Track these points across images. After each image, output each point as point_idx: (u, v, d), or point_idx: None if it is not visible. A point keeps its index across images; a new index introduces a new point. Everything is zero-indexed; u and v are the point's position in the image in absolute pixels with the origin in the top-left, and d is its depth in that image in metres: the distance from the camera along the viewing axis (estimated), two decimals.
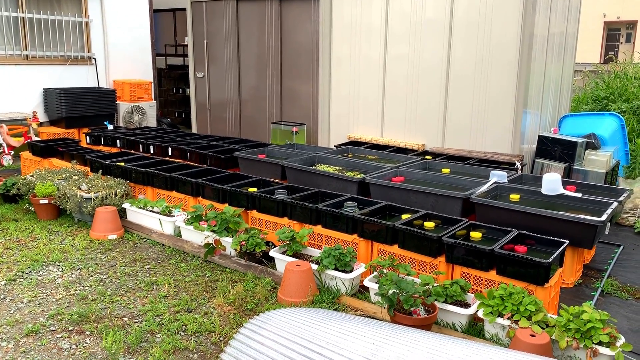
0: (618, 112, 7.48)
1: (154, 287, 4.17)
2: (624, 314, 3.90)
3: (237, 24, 8.73)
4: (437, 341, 2.64)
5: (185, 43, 12.34)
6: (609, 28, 37.78)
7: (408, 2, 6.74)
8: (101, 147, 7.68)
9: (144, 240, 5.19)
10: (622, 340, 3.08)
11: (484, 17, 6.19)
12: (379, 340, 2.66)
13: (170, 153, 6.94)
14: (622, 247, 5.20)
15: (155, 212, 5.31)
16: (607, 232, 4.30)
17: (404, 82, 6.92)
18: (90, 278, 4.30)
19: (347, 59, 7.35)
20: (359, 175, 5.41)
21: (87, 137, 7.92)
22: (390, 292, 3.42)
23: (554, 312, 3.70)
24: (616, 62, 12.66)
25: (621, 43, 39.18)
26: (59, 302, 3.89)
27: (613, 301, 4.13)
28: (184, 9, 12.21)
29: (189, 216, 5.01)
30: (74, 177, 5.92)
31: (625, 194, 4.76)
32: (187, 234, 5.02)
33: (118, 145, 7.51)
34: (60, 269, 4.46)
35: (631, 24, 38.48)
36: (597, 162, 5.97)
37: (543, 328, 3.19)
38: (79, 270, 4.45)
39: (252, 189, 5.10)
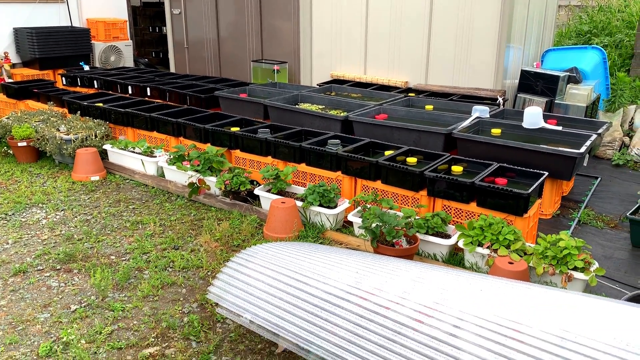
0: (600, 46, 7.44)
1: (140, 227, 4.19)
2: (599, 242, 4.04)
3: None
4: (418, 269, 2.72)
5: None
6: None
7: None
8: (78, 89, 7.48)
9: (127, 181, 5.17)
10: (595, 265, 3.21)
11: None
12: (363, 269, 2.73)
13: (149, 93, 6.80)
14: (599, 179, 5.32)
15: (137, 153, 5.26)
16: (585, 164, 4.39)
17: (387, 18, 6.77)
18: (75, 219, 4.31)
19: None
20: (342, 114, 5.38)
21: (63, 78, 7.71)
22: (374, 225, 3.49)
23: (532, 241, 3.81)
24: None
25: None
26: (44, 243, 3.90)
27: (589, 230, 4.26)
28: None
29: (172, 156, 4.98)
30: (51, 118, 5.80)
31: (604, 127, 4.82)
32: (170, 174, 5.00)
33: (95, 86, 7.33)
34: (44, 211, 4.45)
35: None
36: (578, 96, 6.00)
37: (521, 256, 3.30)
38: (62, 212, 4.44)
39: (235, 128, 5.06)
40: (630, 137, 6.15)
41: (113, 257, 3.72)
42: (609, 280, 3.45)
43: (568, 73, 6.27)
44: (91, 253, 3.75)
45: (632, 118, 6.40)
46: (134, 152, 5.29)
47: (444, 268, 2.83)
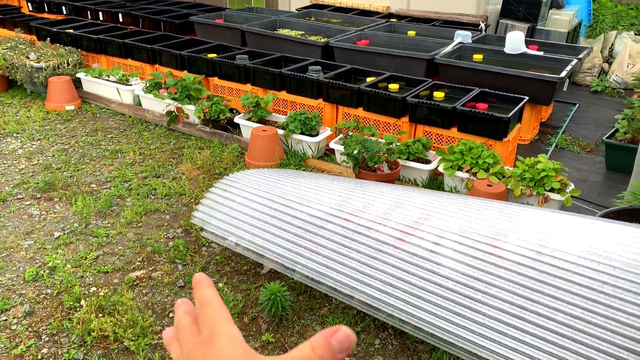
0: None
1: (119, 155, 4.14)
2: (575, 166, 4.13)
3: None
4: (400, 192, 2.77)
5: None
6: None
7: None
8: (45, 15, 7.14)
9: (103, 110, 5.06)
10: (571, 186, 3.29)
11: None
12: (346, 193, 2.77)
13: (121, 19, 6.53)
14: (577, 105, 5.37)
15: (112, 82, 5.11)
16: (565, 89, 4.41)
17: None
18: (52, 148, 4.23)
19: None
20: (322, 39, 5.26)
21: (29, 4, 7.33)
22: (356, 151, 3.50)
23: (510, 165, 3.88)
24: None
25: None
26: (22, 172, 3.84)
27: (566, 155, 4.35)
28: None
29: (148, 84, 4.86)
30: (20, 46, 5.55)
31: (585, 52, 4.82)
32: (147, 102, 4.90)
33: (64, 12, 7.00)
34: (19, 141, 4.35)
35: None
36: (560, 21, 5.94)
37: (500, 179, 3.36)
38: (39, 141, 4.35)
39: (212, 55, 4.92)
40: (610, 64, 6.16)
41: (94, 185, 3.69)
42: (584, 202, 3.55)
43: None
44: (71, 182, 3.72)
45: (612, 44, 6.39)
46: (108, 80, 5.14)
47: (425, 190, 2.88)
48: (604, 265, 1.94)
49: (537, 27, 6.02)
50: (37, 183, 3.64)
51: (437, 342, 2.09)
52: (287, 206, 2.73)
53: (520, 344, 1.86)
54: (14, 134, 4.46)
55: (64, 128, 4.62)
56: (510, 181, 3.32)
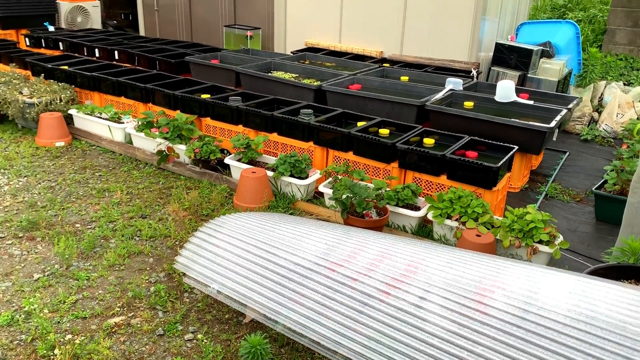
0: (574, 21, 7.47)
1: (106, 194, 4.10)
2: (564, 215, 4.12)
3: None
4: (387, 241, 2.73)
5: None
6: None
7: None
8: (42, 50, 7.21)
9: (93, 147, 5.04)
10: (560, 238, 3.27)
11: None
12: (332, 241, 2.73)
13: (117, 57, 6.59)
14: (567, 153, 5.40)
15: (104, 119, 5.11)
16: (554, 139, 4.43)
17: None
18: (39, 185, 4.18)
19: None
20: (315, 83, 5.31)
21: (27, 39, 7.40)
22: (344, 196, 3.47)
23: (500, 214, 3.86)
24: None
25: None
26: (6, 210, 3.79)
27: (555, 204, 4.34)
28: None
29: (140, 123, 4.86)
30: (14, 81, 5.57)
31: (575, 102, 4.87)
32: (138, 141, 4.88)
33: (60, 47, 7.06)
34: (6, 177, 4.31)
35: None
36: (551, 70, 6.03)
37: (489, 229, 3.34)
38: (26, 178, 4.31)
39: (205, 96, 4.94)
40: (599, 113, 6.24)
41: (78, 225, 3.63)
42: (573, 254, 3.52)
43: (542, 47, 6.28)
44: (55, 221, 3.66)
45: (601, 94, 6.48)
46: (100, 117, 5.14)
47: (412, 240, 2.84)
48: (591, 326, 1.89)
49: (528, 75, 6.11)
50: (21, 221, 3.58)
51: None
52: (272, 253, 2.68)
53: None
54: (1, 170, 4.42)
55: (52, 165, 4.58)
56: (499, 232, 3.29)
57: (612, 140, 5.82)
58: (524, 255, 3.28)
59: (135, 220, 3.71)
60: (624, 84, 6.61)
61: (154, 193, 4.15)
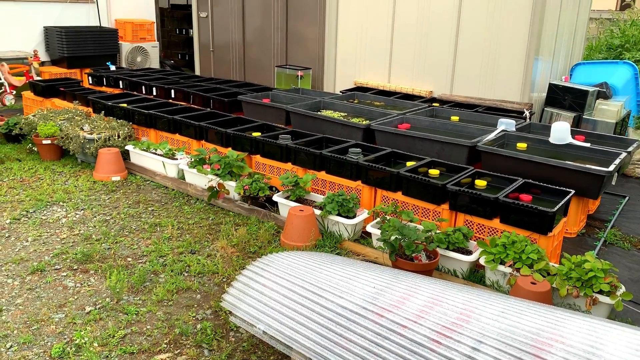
0: (632, 61, 7.27)
1: (158, 229, 4.19)
2: (626, 264, 3.91)
3: None
4: (438, 287, 2.65)
5: None
6: None
7: None
8: (103, 88, 7.57)
9: (147, 182, 5.19)
10: (622, 289, 3.09)
11: None
12: (381, 284, 2.67)
13: (173, 95, 6.84)
14: (627, 198, 5.17)
15: (158, 155, 5.27)
16: (613, 183, 4.26)
17: (413, 26, 6.71)
18: (94, 219, 4.32)
19: (355, 1, 7.10)
20: (364, 122, 5.33)
21: (90, 78, 7.80)
22: (393, 237, 3.42)
23: (555, 261, 3.71)
24: (633, 8, 12.24)
25: None
26: (63, 242, 3.92)
27: (615, 251, 4.13)
28: None
29: (193, 159, 4.98)
30: (76, 117, 5.86)
31: (635, 145, 4.68)
32: (190, 177, 5.00)
33: (120, 86, 7.40)
34: (64, 209, 4.47)
35: None
36: (608, 112, 5.85)
37: (544, 276, 3.20)
38: (82, 211, 4.46)
39: (256, 134, 5.04)
40: None
41: (130, 259, 3.71)
42: (637, 306, 3.32)
43: (598, 88, 6.12)
44: (108, 254, 3.75)
45: None
46: (155, 153, 5.30)
47: (464, 287, 2.75)
48: None
49: (584, 116, 5.94)
50: (76, 254, 3.69)
51: None
52: (319, 295, 2.65)
53: None
54: (60, 203, 4.60)
55: (108, 199, 4.74)
56: (556, 280, 3.14)
57: None
58: (582, 306, 3.11)
59: (184, 256, 3.76)
60: None
61: (204, 229, 4.21)
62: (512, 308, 2.39)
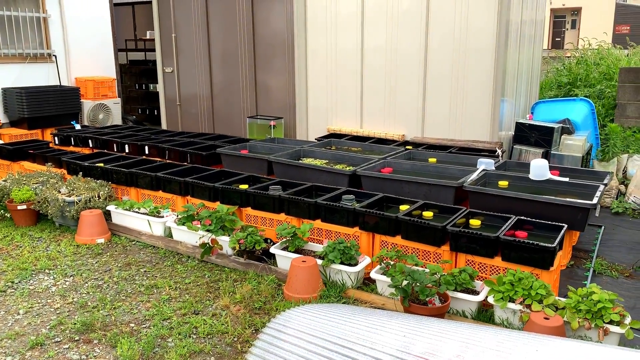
0: (582, 97, 7.74)
1: (155, 291, 4.06)
2: (619, 292, 4.04)
3: (207, 16, 8.54)
4: (467, 330, 2.68)
5: (147, 37, 12.01)
6: (555, 15, 39.16)
7: None
8: (71, 148, 7.39)
9: (134, 242, 5.05)
10: (629, 318, 3.21)
11: (460, 4, 6.26)
12: (409, 332, 2.68)
13: (147, 152, 6.75)
14: (603, 227, 5.41)
15: (142, 214, 5.16)
16: (597, 215, 4.46)
17: (382, 72, 6.95)
18: (86, 284, 4.15)
19: (323, 50, 7.31)
20: (347, 168, 5.41)
21: (56, 138, 7.61)
22: (405, 283, 3.45)
23: (557, 294, 3.81)
24: (566, 49, 13.13)
25: (567, 29, 40.72)
26: (58, 312, 3.73)
27: (606, 280, 4.30)
28: (144, 2, 11.88)
29: (181, 216, 4.90)
30: (51, 180, 5.67)
31: (608, 177, 4.95)
32: (179, 234, 4.90)
33: (90, 145, 7.25)
34: (52, 277, 4.28)
35: (575, 11, 39.98)
36: (574, 146, 6.17)
37: (554, 311, 3.29)
38: (72, 277, 4.28)
39: (244, 186, 5.02)
40: (626, 185, 6.32)
41: (132, 324, 3.57)
42: None
43: (561, 124, 6.47)
44: (109, 321, 3.60)
45: (625, 166, 6.60)
46: (139, 212, 5.19)
47: (491, 328, 2.80)
48: None
49: (552, 152, 6.24)
50: (75, 323, 3.52)
51: None
52: (349, 348, 2.62)
53: None
54: (46, 270, 4.40)
55: (96, 262, 4.57)
56: (566, 313, 3.24)
57: None
58: (594, 337, 3.21)
59: (189, 317, 3.66)
60: None
61: (202, 287, 4.11)
62: (545, 345, 2.44)
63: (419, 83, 6.70)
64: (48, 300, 3.90)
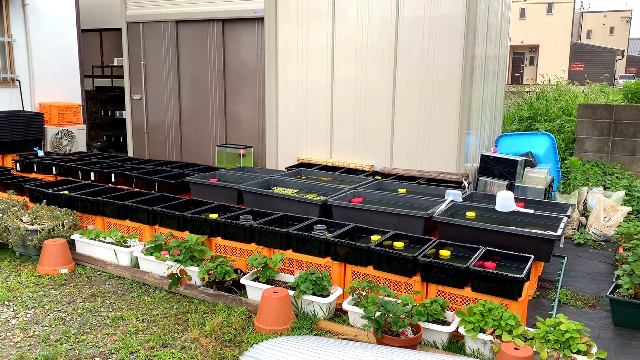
0: (542, 131, 8.03)
1: (121, 323, 3.94)
2: (584, 322, 4.14)
3: (177, 45, 8.55)
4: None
5: (114, 64, 11.92)
6: (515, 51, 40.76)
7: (353, 26, 6.91)
8: (34, 175, 7.20)
9: (99, 273, 4.91)
10: (595, 348, 3.29)
11: (428, 40, 6.47)
12: None
13: (113, 179, 6.63)
14: (566, 258, 5.55)
15: (108, 243, 5.04)
16: (561, 246, 4.59)
17: (351, 104, 7.06)
18: (48, 317, 4.00)
19: (294, 81, 7.40)
20: (318, 197, 5.43)
21: (18, 164, 7.40)
22: (377, 314, 3.45)
23: (524, 324, 3.87)
24: (525, 85, 13.64)
25: (525, 65, 42.40)
26: (18, 346, 3.58)
27: (571, 310, 4.40)
28: (112, 29, 11.84)
29: (148, 246, 4.80)
30: (12, 208, 5.49)
31: (570, 209, 5.11)
32: (146, 264, 4.80)
33: (54, 172, 7.07)
34: (12, 309, 4.11)
35: (533, 48, 41.74)
36: (536, 179, 6.37)
37: (523, 341, 3.34)
38: (33, 309, 4.12)
39: (214, 215, 4.98)
40: (587, 217, 6.53)
41: (98, 358, 3.45)
42: None
43: (524, 157, 6.68)
44: (73, 355, 3.47)
45: (585, 199, 6.83)
46: (105, 242, 5.06)
47: (463, 359, 2.82)
48: None
49: (515, 184, 6.42)
50: (36, 358, 3.38)
51: None
52: None
53: None
54: (6, 302, 4.23)
55: (59, 294, 4.42)
56: (535, 343, 3.29)
57: (603, 243, 6.04)
58: None
59: (157, 350, 3.56)
60: (604, 189, 7.00)
61: (171, 319, 4.02)
62: None
63: (387, 115, 6.83)
64: (7, 334, 3.73)
